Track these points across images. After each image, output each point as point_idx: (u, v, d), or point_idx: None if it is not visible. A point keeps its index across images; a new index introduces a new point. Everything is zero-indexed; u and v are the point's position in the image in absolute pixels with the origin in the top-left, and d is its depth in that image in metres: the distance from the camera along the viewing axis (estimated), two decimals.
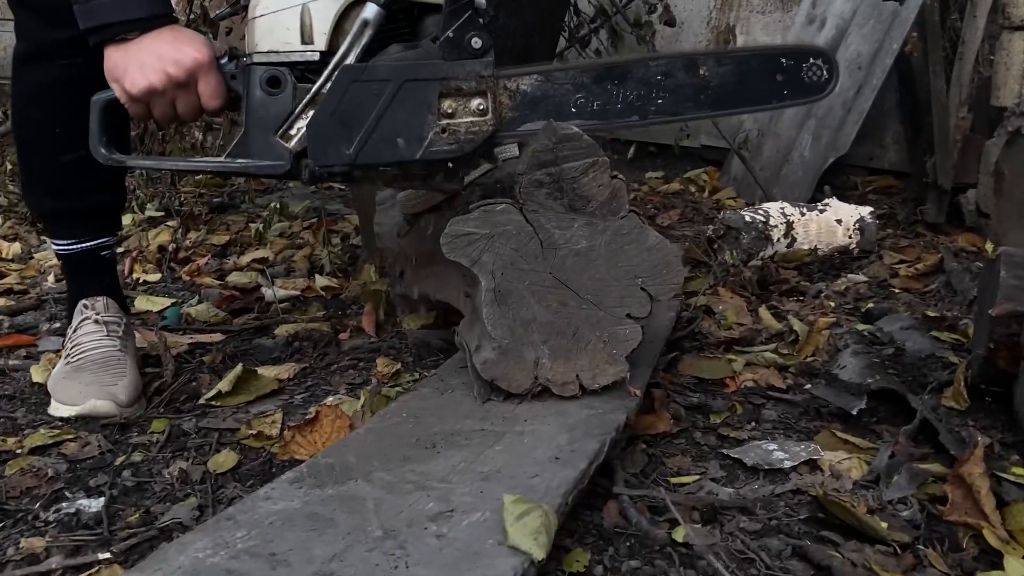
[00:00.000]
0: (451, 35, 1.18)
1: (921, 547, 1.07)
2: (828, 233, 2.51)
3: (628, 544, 1.03)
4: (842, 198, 3.06)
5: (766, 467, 1.25)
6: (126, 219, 2.72)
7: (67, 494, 1.13)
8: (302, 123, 1.20)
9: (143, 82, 1.18)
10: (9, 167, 2.72)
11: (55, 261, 2.30)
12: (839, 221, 2.52)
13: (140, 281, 2.23)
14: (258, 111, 1.21)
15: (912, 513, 1.14)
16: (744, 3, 3.58)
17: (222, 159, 1.24)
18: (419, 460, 1.02)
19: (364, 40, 1.19)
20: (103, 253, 1.53)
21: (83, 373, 1.41)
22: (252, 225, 2.65)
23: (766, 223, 2.43)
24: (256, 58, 1.21)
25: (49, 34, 1.34)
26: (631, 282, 1.16)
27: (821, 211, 2.53)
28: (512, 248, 1.15)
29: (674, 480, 1.21)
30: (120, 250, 2.48)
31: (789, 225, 2.46)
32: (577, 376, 1.16)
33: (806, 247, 2.48)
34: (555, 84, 1.27)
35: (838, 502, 1.10)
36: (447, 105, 1.20)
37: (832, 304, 2.05)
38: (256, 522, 0.87)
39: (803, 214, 2.50)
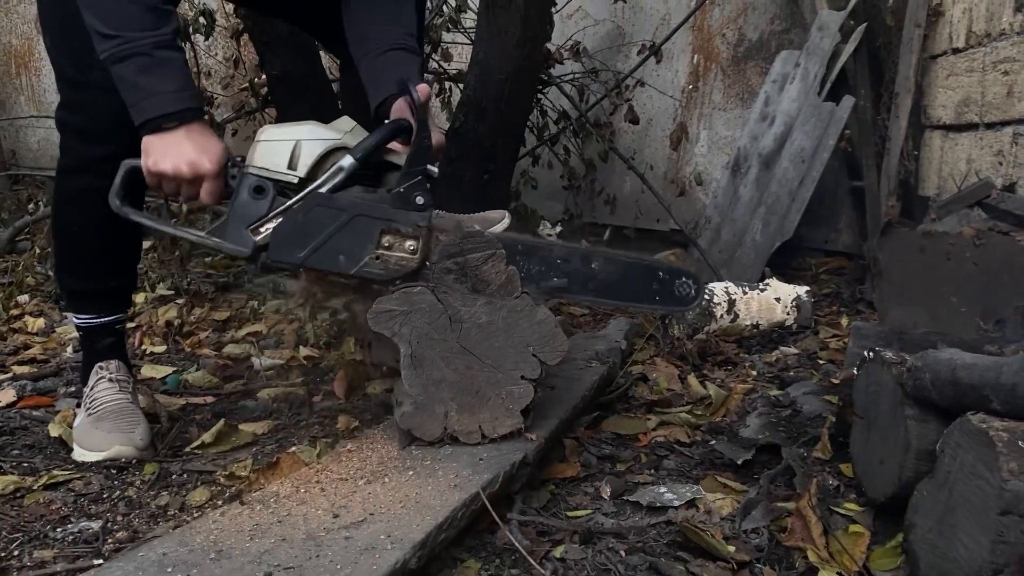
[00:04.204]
0: (401, 190, 1.50)
1: (760, 565, 1.31)
2: (768, 310, 2.77)
3: (513, 558, 1.28)
4: (795, 278, 3.35)
5: (649, 503, 1.50)
6: (139, 298, 3.04)
7: (71, 519, 1.40)
8: (271, 225, 1.50)
9: (160, 166, 1.48)
10: (37, 251, 3.05)
11: (73, 334, 2.61)
12: (777, 299, 2.79)
13: (148, 352, 2.52)
14: (240, 208, 1.52)
15: (762, 540, 1.38)
16: (707, 101, 3.93)
17: (203, 234, 1.54)
18: (350, 487, 1.28)
19: (336, 180, 1.51)
20: (117, 326, 1.83)
21: (103, 422, 1.68)
22: (252, 303, 2.96)
23: (710, 301, 2.71)
24: (251, 169, 1.52)
25: (89, 150, 1.64)
26: (524, 350, 1.44)
27: (762, 290, 2.80)
28: (426, 322, 1.43)
29: (570, 514, 1.46)
30: (131, 325, 2.78)
31: (731, 303, 2.73)
32: (480, 427, 1.43)
33: (748, 323, 2.74)
34: None
35: (693, 528, 1.35)
36: (386, 240, 1.50)
37: (755, 373, 2.31)
38: (210, 531, 1.14)
39: (745, 292, 2.77)
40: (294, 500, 1.25)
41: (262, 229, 1.50)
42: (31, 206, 3.41)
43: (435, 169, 1.51)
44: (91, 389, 1.73)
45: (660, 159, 4.04)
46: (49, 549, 1.29)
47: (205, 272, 3.44)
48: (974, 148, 2.57)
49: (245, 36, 2.91)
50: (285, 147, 1.52)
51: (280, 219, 1.50)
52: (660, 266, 1.75)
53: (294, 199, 1.50)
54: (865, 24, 3.23)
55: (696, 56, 3.93)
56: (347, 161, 1.50)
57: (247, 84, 2.99)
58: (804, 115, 3.33)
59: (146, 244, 3.62)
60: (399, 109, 1.64)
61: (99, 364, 1.76)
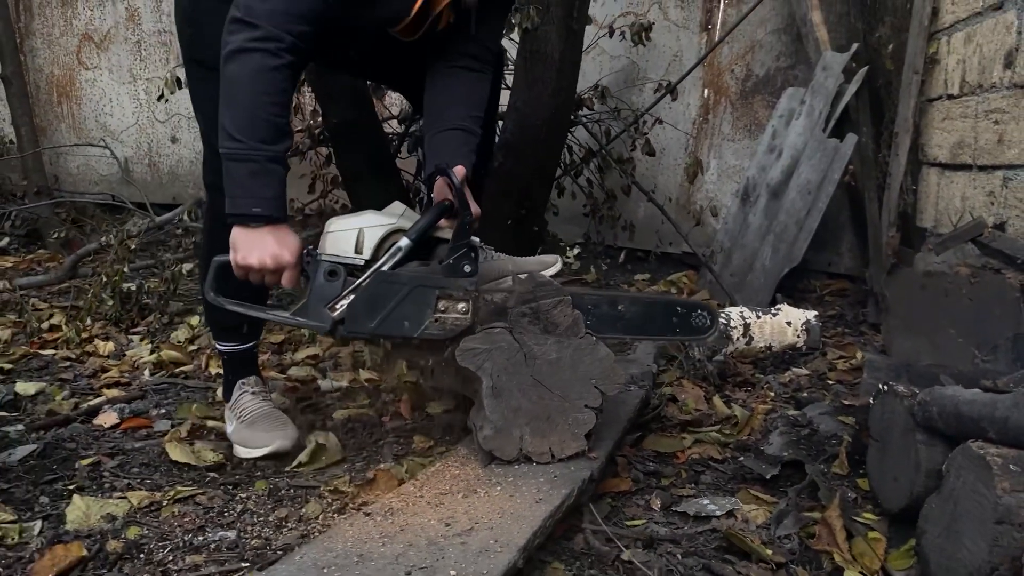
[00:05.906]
0: (451, 262, 1.75)
1: (794, 566, 1.56)
2: (780, 333, 3.02)
3: (590, 560, 1.53)
4: (801, 300, 3.60)
5: (695, 513, 1.75)
6: (195, 321, 3.28)
7: (207, 529, 1.64)
8: (345, 302, 1.75)
9: (248, 260, 1.71)
10: (104, 278, 3.27)
11: (146, 358, 2.85)
12: (789, 323, 3.04)
13: (216, 375, 2.75)
14: (319, 290, 1.76)
15: (793, 545, 1.63)
16: (717, 132, 4.20)
17: (288, 314, 1.79)
18: (451, 500, 1.53)
19: (396, 258, 1.77)
20: (253, 351, 2.16)
21: (257, 424, 2.00)
22: None
23: (727, 324, 2.96)
24: (324, 256, 1.77)
25: None
26: (588, 382, 1.70)
27: (774, 314, 3.05)
28: (505, 358, 1.69)
29: (628, 523, 1.71)
30: (195, 348, 3.02)
31: (746, 326, 2.98)
32: (550, 448, 1.68)
33: (761, 345, 2.99)
34: None
35: (737, 535, 1.59)
36: (441, 305, 1.74)
37: (772, 394, 2.56)
38: (345, 539, 1.38)
39: (759, 317, 3.02)
40: (407, 512, 1.49)
41: (338, 306, 1.75)
42: (102, 239, 3.64)
43: (477, 239, 1.76)
44: (235, 401, 2.06)
45: (672, 186, 4.31)
46: (198, 555, 1.53)
47: None
48: (968, 187, 2.83)
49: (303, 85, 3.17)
50: (351, 235, 1.77)
51: (352, 296, 1.75)
52: (678, 302, 2.02)
53: (362, 278, 1.75)
54: (867, 67, 3.49)
55: (707, 90, 4.19)
56: (404, 242, 1.76)
57: (303, 127, 3.24)
58: (810, 150, 3.60)
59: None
60: (439, 189, 1.90)
61: (241, 381, 2.10)
